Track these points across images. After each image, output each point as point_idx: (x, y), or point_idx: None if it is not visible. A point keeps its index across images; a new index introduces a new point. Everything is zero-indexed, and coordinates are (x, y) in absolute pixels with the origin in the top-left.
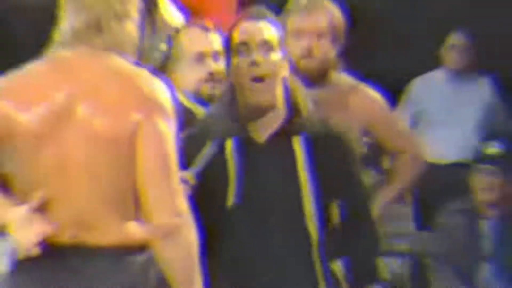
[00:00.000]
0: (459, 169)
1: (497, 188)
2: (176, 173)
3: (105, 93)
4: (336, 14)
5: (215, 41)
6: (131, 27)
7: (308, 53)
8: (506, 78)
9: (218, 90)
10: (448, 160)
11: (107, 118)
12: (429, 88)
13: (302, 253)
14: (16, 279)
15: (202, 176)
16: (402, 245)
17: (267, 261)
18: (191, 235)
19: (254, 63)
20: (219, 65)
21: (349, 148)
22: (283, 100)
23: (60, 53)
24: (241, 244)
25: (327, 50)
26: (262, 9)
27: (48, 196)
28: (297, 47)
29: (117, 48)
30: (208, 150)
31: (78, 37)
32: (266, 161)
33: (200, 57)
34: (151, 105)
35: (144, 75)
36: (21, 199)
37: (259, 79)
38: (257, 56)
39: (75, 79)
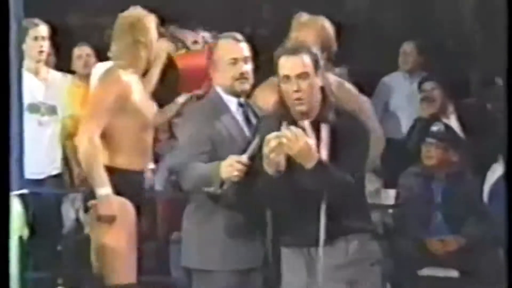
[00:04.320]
0: (414, 142)
1: (438, 155)
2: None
3: None
4: (323, 30)
5: (245, 49)
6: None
7: None
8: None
9: (247, 86)
10: (407, 135)
11: None
12: (391, 85)
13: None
14: None
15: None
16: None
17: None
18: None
19: (294, 91)
20: (248, 67)
21: (359, 134)
22: (317, 103)
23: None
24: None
25: None
26: (299, 45)
27: None
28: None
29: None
30: (256, 141)
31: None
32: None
33: (234, 62)
34: None
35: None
36: None
37: (299, 101)
38: (297, 85)
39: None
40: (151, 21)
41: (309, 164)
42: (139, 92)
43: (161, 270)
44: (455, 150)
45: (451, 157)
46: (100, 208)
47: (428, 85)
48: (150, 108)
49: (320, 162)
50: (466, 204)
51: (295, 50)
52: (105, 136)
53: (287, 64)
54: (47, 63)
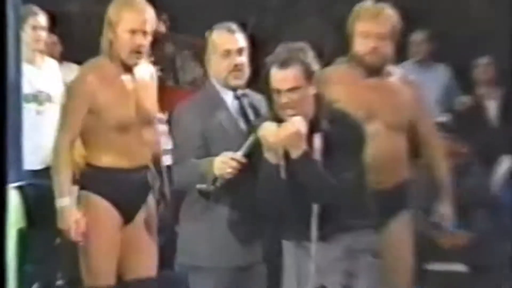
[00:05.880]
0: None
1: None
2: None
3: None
4: (396, 19)
5: (239, 40)
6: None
7: (373, 51)
8: (456, 64)
9: (242, 78)
10: None
11: None
12: None
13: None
14: None
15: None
16: None
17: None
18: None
19: (284, 104)
20: (242, 59)
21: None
22: (310, 111)
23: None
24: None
25: (387, 49)
26: (291, 55)
27: None
28: (364, 45)
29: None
30: (251, 139)
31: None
32: None
33: (228, 53)
34: None
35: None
36: None
37: (290, 110)
38: (287, 98)
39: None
40: (138, 11)
41: (296, 153)
42: (111, 91)
43: (168, 265)
44: (464, 142)
45: (459, 149)
46: (59, 220)
47: (484, 60)
48: (125, 106)
49: (306, 154)
50: (475, 196)
51: (286, 62)
52: (83, 135)
53: (277, 78)
54: (52, 53)
